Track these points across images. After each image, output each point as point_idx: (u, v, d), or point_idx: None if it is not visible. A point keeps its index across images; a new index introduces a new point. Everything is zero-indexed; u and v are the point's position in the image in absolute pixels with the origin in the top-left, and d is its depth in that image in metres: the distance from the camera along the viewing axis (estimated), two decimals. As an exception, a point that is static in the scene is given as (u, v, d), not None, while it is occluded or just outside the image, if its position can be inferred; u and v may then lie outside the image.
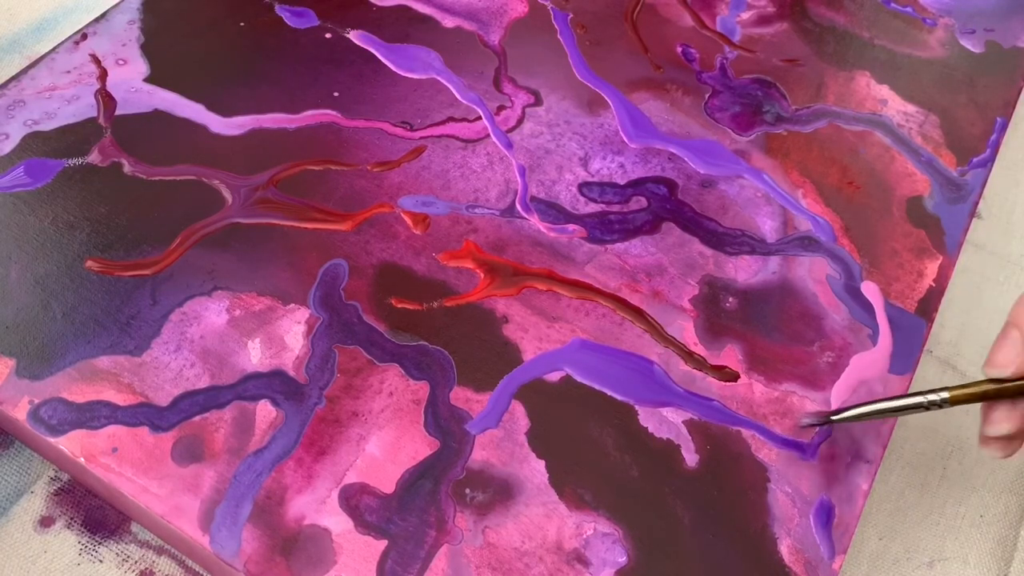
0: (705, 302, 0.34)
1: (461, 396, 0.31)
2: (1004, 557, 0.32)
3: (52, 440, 0.29)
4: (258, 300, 0.33)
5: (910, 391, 0.31)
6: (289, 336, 0.32)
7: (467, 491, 0.29)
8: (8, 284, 0.33)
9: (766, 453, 0.30)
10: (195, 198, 0.35)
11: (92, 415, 0.30)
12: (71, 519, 0.30)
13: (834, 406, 0.32)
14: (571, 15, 0.44)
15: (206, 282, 0.33)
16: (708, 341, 0.33)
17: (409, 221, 0.36)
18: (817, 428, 0.31)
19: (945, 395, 0.28)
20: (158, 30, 0.41)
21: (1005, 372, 0.27)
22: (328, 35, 0.42)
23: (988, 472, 0.34)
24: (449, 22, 0.43)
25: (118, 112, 0.38)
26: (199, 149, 0.37)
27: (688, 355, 0.33)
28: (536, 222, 0.36)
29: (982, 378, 0.28)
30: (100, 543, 0.30)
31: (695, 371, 0.32)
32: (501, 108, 0.40)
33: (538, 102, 0.40)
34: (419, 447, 0.30)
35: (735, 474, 0.30)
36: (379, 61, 0.41)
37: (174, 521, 0.28)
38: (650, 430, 0.31)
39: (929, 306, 0.35)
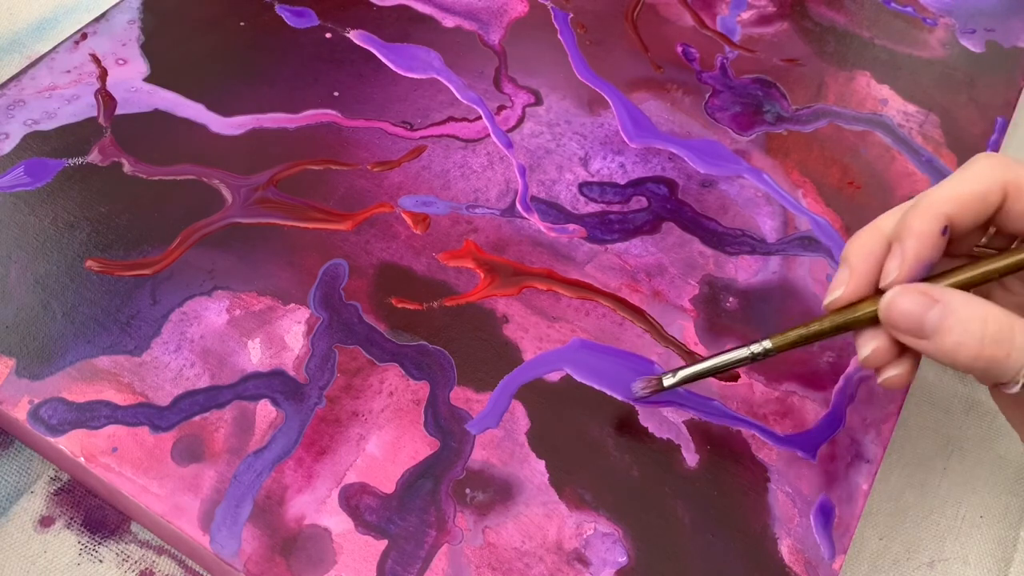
0: (705, 302, 0.34)
1: (461, 396, 0.31)
2: (1004, 557, 0.32)
3: (52, 440, 0.29)
4: (258, 300, 0.33)
5: (729, 356, 0.30)
6: (289, 336, 0.32)
7: (467, 491, 0.29)
8: (8, 284, 0.33)
9: (766, 453, 0.30)
10: (195, 198, 0.35)
11: (92, 415, 0.30)
12: (71, 519, 0.30)
13: (833, 406, 0.32)
14: (571, 15, 0.44)
15: (206, 282, 0.33)
16: (708, 341, 0.33)
17: (409, 221, 0.36)
18: (651, 395, 0.30)
19: (768, 344, 0.28)
20: (158, 30, 0.41)
21: (836, 295, 0.27)
22: (328, 35, 0.42)
23: (988, 472, 0.34)
24: (449, 22, 0.43)
25: (118, 112, 0.38)
26: (199, 149, 0.37)
27: (688, 355, 0.33)
28: (536, 222, 0.36)
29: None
30: (100, 543, 0.30)
31: (695, 371, 0.32)
32: (501, 108, 0.40)
33: (538, 102, 0.40)
34: (419, 447, 0.30)
35: (735, 474, 0.30)
36: (379, 61, 0.41)
37: (174, 521, 0.28)
38: (650, 430, 0.31)
39: (929, 306, 0.35)
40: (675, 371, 0.30)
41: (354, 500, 0.29)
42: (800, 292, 0.35)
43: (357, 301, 0.33)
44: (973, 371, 0.24)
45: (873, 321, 0.27)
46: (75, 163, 0.36)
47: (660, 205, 0.37)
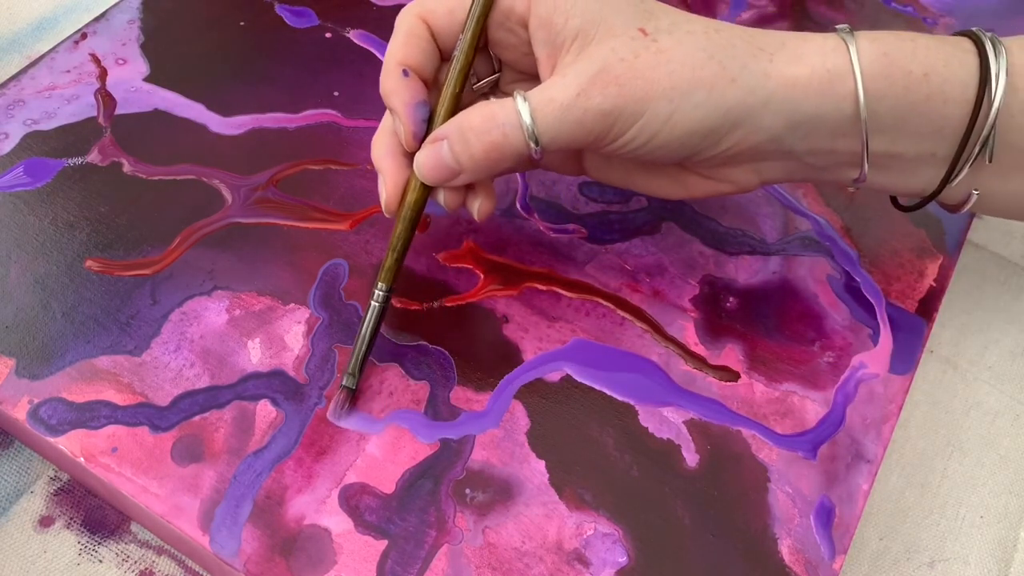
0: (705, 302, 0.34)
1: (461, 396, 0.31)
2: (1004, 557, 0.32)
3: (52, 440, 0.29)
4: (258, 300, 0.33)
5: None
6: (289, 336, 0.32)
7: (467, 491, 0.29)
8: (8, 284, 0.33)
9: (766, 453, 0.30)
10: (195, 198, 0.35)
11: (92, 415, 0.30)
12: (71, 519, 0.30)
13: (833, 406, 0.32)
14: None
15: (206, 282, 0.33)
16: (708, 341, 0.33)
17: (409, 221, 0.36)
18: (348, 404, 0.30)
19: (381, 285, 0.30)
20: (158, 30, 0.41)
21: (384, 199, 0.30)
22: (328, 35, 0.42)
23: (988, 472, 0.34)
24: (449, 22, 0.43)
25: (118, 111, 0.38)
26: (199, 149, 0.37)
27: (688, 355, 0.33)
28: (536, 222, 0.36)
29: None
30: (100, 543, 0.30)
31: (695, 371, 0.32)
32: (501, 108, 0.40)
33: (538, 102, 0.40)
34: (419, 447, 0.30)
35: (735, 474, 0.30)
36: (379, 60, 0.41)
37: (174, 521, 0.28)
38: (650, 430, 0.31)
39: (930, 306, 0.35)
40: (347, 372, 0.30)
41: (354, 500, 0.29)
42: (800, 292, 0.35)
43: (357, 301, 0.33)
44: (501, 164, 0.28)
45: (426, 189, 0.30)
46: (75, 163, 0.36)
47: (660, 205, 0.37)
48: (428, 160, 0.29)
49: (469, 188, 0.30)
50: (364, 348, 0.30)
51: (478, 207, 0.31)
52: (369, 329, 0.30)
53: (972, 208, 0.30)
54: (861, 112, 0.27)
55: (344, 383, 0.30)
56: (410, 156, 0.30)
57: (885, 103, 0.27)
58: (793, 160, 0.29)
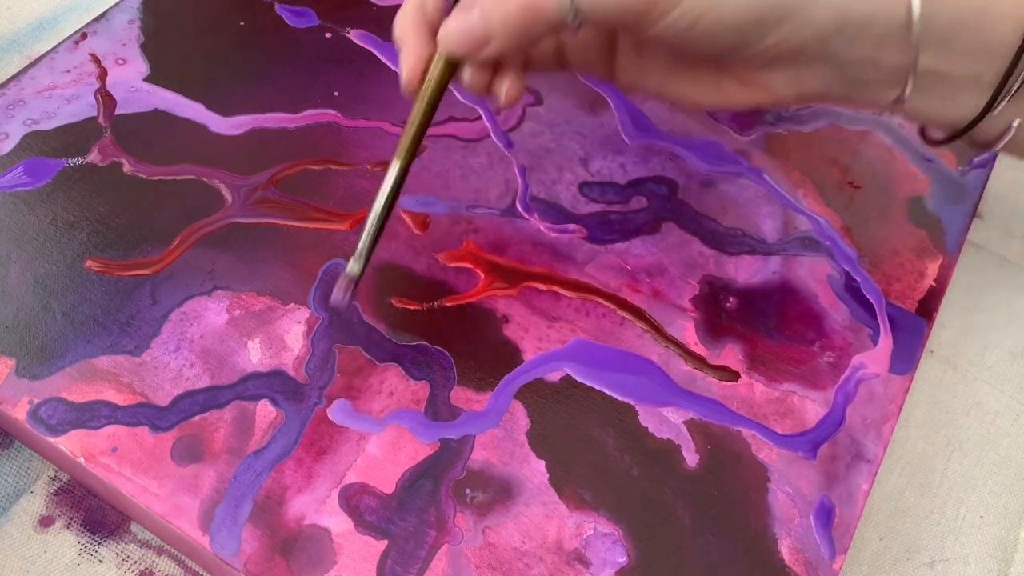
0: (705, 302, 0.34)
1: (461, 396, 0.31)
2: (1004, 557, 0.32)
3: (52, 440, 0.29)
4: (258, 300, 0.33)
5: None
6: (289, 336, 0.32)
7: (467, 491, 0.29)
8: (8, 284, 0.33)
9: (766, 453, 0.30)
10: (195, 198, 0.35)
11: (92, 415, 0.30)
12: (71, 519, 0.30)
13: (833, 406, 0.32)
14: (571, 15, 0.44)
15: (206, 282, 0.33)
16: (708, 341, 0.33)
17: (409, 221, 0.36)
18: (352, 293, 0.29)
19: (397, 163, 0.29)
20: (158, 30, 0.41)
21: (405, 73, 0.29)
22: (328, 35, 0.42)
23: (988, 472, 0.34)
24: (449, 22, 0.43)
25: (118, 111, 0.38)
26: (199, 149, 0.37)
27: (688, 355, 0.33)
28: (536, 222, 0.36)
29: None
30: (100, 543, 0.30)
31: (695, 371, 0.32)
32: (501, 108, 0.40)
33: (538, 102, 0.40)
34: (419, 447, 0.30)
35: (735, 474, 0.30)
36: (379, 60, 0.41)
37: (174, 521, 0.28)
38: (650, 430, 0.31)
39: (930, 306, 0.35)
40: (352, 257, 0.29)
41: (354, 500, 0.29)
42: (800, 292, 0.35)
43: (357, 301, 0.33)
44: (533, 29, 0.26)
45: (450, 66, 0.28)
46: (75, 163, 0.36)
47: (660, 205, 0.37)
48: (456, 25, 0.27)
49: (496, 69, 0.29)
50: (374, 230, 0.29)
51: (506, 90, 0.29)
52: (380, 209, 0.29)
53: (1006, 148, 0.29)
54: (914, 21, 0.26)
55: (348, 269, 0.29)
56: (435, 31, 0.28)
57: (938, 13, 0.26)
58: (835, 70, 0.28)
